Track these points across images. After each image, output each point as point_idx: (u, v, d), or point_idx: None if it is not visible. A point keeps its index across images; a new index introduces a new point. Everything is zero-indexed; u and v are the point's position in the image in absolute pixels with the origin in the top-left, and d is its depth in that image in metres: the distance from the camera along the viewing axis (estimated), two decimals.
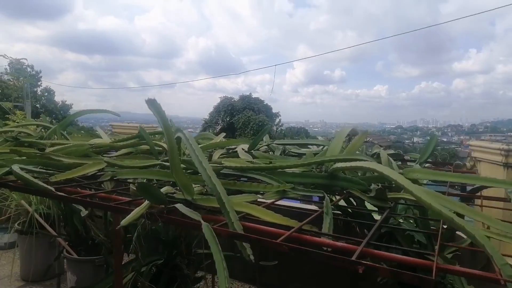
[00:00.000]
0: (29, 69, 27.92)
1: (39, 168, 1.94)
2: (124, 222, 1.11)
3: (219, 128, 39.73)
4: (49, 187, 1.51)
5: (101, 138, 3.35)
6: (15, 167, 1.65)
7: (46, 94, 33.34)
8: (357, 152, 2.05)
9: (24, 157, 2.22)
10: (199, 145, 2.45)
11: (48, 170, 1.91)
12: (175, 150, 1.46)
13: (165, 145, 2.66)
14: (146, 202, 1.27)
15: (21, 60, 22.74)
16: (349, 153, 1.91)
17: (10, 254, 4.55)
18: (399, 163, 2.55)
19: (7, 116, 4.84)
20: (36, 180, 1.55)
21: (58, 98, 34.37)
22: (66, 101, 34.50)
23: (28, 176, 1.58)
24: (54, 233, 3.43)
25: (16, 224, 3.90)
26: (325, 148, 2.35)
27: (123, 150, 2.70)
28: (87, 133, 3.71)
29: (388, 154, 2.15)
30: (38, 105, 30.95)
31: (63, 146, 2.59)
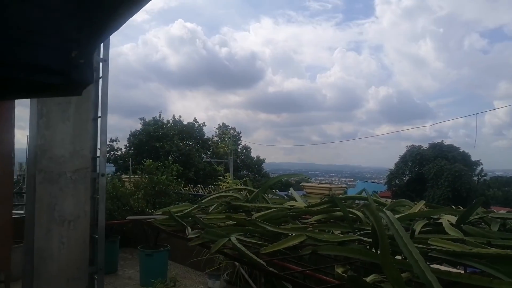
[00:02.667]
0: (232, 131, 33.08)
1: (248, 237, 2.18)
2: None
3: (406, 179, 36.89)
4: (260, 261, 1.66)
5: (296, 201, 3.56)
6: (233, 239, 1.91)
7: (244, 151, 38.45)
8: None
9: (235, 222, 2.55)
10: (397, 215, 2.30)
11: (255, 241, 2.12)
12: (385, 240, 1.39)
13: (358, 213, 2.61)
14: None
15: (226, 124, 27.27)
16: None
17: None
18: None
19: (219, 178, 5.86)
20: (249, 253, 1.74)
21: (253, 154, 39.07)
22: (260, 156, 38.80)
23: (243, 248, 1.79)
24: (255, 287, 3.75)
25: (225, 274, 4.44)
26: None
27: (318, 216, 2.78)
28: (278, 195, 4.02)
29: None
30: (238, 161, 35.89)
31: (265, 212, 2.86)
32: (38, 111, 2.64)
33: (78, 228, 2.82)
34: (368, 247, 1.98)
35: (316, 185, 5.72)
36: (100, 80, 3.12)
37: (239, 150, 38.02)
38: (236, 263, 4.05)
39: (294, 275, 1.58)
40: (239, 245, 1.82)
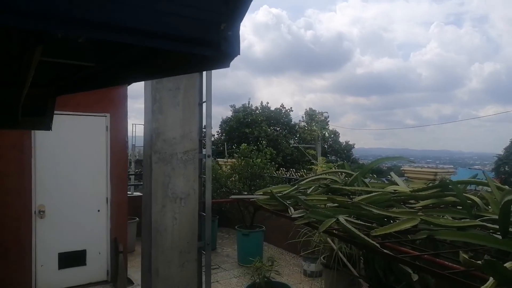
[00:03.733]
0: (319, 116, 32.59)
1: (353, 218, 2.13)
2: None
3: None
4: (374, 242, 1.61)
5: (397, 185, 3.38)
6: (342, 219, 1.88)
7: (332, 136, 37.70)
8: None
9: (337, 205, 2.51)
10: None
11: (362, 222, 2.06)
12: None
13: (474, 198, 2.38)
14: (491, 280, 1.13)
15: (313, 109, 26.94)
16: None
17: (316, 282, 5.22)
18: None
19: (312, 162, 5.84)
20: (361, 234, 1.70)
21: (341, 139, 38.10)
22: (349, 141, 37.67)
23: (354, 229, 1.76)
24: (355, 273, 3.67)
25: (322, 258, 4.43)
26: None
27: (426, 201, 2.60)
28: (378, 179, 3.85)
29: None
30: (326, 146, 35.37)
31: (368, 195, 2.76)
32: (152, 97, 2.87)
33: (188, 205, 3.03)
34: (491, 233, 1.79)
35: (420, 169, 5.36)
36: None
37: (327, 135, 37.39)
38: (335, 247, 4.01)
39: (411, 259, 1.50)
40: (349, 226, 1.78)
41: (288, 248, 6.84)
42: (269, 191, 2.92)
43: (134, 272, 5.49)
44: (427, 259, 1.50)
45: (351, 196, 2.91)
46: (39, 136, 5.04)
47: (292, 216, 2.40)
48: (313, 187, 3.27)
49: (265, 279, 4.35)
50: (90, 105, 5.42)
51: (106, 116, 5.51)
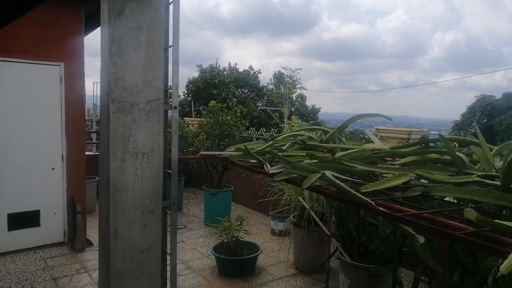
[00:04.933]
0: (287, 79, 32.32)
1: (336, 174, 1.93)
2: (504, 268, 0.84)
3: (472, 132, 34.44)
4: (368, 199, 1.42)
5: (373, 143, 3.24)
6: (328, 174, 1.67)
7: (299, 99, 37.72)
8: None
9: (316, 161, 2.32)
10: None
11: (349, 178, 1.87)
12: None
13: (461, 155, 2.26)
14: None
15: (281, 71, 26.58)
16: None
17: (285, 241, 5.17)
18: None
19: (283, 120, 5.63)
20: (352, 190, 1.50)
21: (308, 103, 38.22)
22: (315, 105, 37.89)
23: (343, 185, 1.56)
24: (327, 232, 3.59)
25: (291, 216, 4.33)
26: None
27: (408, 158, 2.46)
28: (354, 137, 3.71)
29: None
30: (293, 109, 35.45)
31: (348, 152, 2.59)
32: (110, 37, 2.48)
33: (152, 161, 2.74)
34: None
35: (394, 128, 5.30)
36: (171, 6, 2.88)
37: (294, 99, 37.37)
38: (306, 206, 3.89)
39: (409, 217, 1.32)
40: (338, 182, 1.58)
41: (256, 207, 6.76)
42: (243, 146, 2.68)
43: (94, 233, 5.20)
44: (428, 218, 1.33)
45: (328, 154, 2.74)
46: None
47: (269, 172, 2.18)
48: (288, 144, 3.06)
49: (233, 239, 4.22)
50: (41, 53, 4.85)
51: (60, 65, 4.96)
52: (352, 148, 2.71)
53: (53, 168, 4.96)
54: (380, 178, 1.95)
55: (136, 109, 2.58)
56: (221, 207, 5.94)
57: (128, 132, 2.60)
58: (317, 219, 3.73)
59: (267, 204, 5.37)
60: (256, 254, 4.17)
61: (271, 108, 27.12)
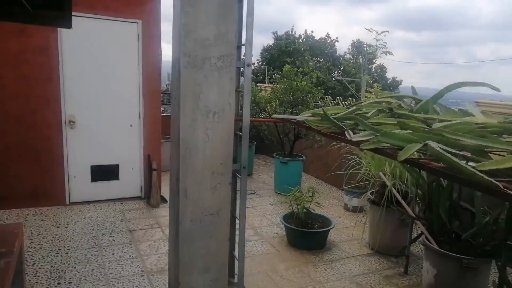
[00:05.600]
0: (366, 48, 30.39)
1: (443, 146, 1.56)
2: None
3: None
4: (492, 180, 1.08)
5: (474, 116, 2.72)
6: (434, 145, 1.33)
7: (379, 70, 35.44)
8: None
9: (410, 131, 1.95)
10: None
11: (458, 152, 1.49)
12: None
13: None
14: None
15: (361, 39, 24.92)
16: None
17: (359, 218, 4.84)
18: None
19: (367, 89, 5.15)
20: (468, 167, 1.16)
21: (388, 75, 35.75)
22: (396, 77, 35.36)
23: (457, 160, 1.21)
24: (412, 214, 3.19)
25: (369, 193, 3.97)
26: None
27: None
28: (449, 111, 3.20)
29: None
30: (371, 81, 33.46)
31: (448, 123, 2.17)
32: None
33: (222, 121, 2.57)
34: None
35: (499, 102, 4.55)
36: None
37: (373, 70, 35.21)
38: (388, 183, 3.50)
39: None
40: (448, 155, 1.24)
41: (329, 180, 6.45)
42: (322, 111, 2.38)
43: (168, 191, 5.35)
44: None
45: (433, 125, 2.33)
46: (66, 41, 4.66)
47: (352, 139, 1.88)
48: (373, 111, 2.68)
49: (304, 210, 4.01)
50: (121, 9, 4.89)
51: (137, 22, 4.99)
52: (452, 120, 2.27)
53: (131, 125, 5.13)
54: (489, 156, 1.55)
55: (207, 65, 2.40)
56: (291, 176, 5.74)
57: (199, 89, 2.44)
58: (400, 198, 3.34)
59: (341, 178, 5.04)
60: (329, 228, 3.92)
61: (347, 78, 25.84)
